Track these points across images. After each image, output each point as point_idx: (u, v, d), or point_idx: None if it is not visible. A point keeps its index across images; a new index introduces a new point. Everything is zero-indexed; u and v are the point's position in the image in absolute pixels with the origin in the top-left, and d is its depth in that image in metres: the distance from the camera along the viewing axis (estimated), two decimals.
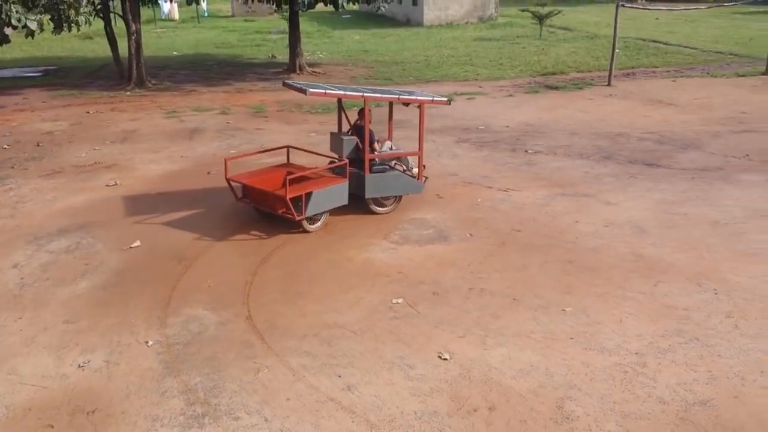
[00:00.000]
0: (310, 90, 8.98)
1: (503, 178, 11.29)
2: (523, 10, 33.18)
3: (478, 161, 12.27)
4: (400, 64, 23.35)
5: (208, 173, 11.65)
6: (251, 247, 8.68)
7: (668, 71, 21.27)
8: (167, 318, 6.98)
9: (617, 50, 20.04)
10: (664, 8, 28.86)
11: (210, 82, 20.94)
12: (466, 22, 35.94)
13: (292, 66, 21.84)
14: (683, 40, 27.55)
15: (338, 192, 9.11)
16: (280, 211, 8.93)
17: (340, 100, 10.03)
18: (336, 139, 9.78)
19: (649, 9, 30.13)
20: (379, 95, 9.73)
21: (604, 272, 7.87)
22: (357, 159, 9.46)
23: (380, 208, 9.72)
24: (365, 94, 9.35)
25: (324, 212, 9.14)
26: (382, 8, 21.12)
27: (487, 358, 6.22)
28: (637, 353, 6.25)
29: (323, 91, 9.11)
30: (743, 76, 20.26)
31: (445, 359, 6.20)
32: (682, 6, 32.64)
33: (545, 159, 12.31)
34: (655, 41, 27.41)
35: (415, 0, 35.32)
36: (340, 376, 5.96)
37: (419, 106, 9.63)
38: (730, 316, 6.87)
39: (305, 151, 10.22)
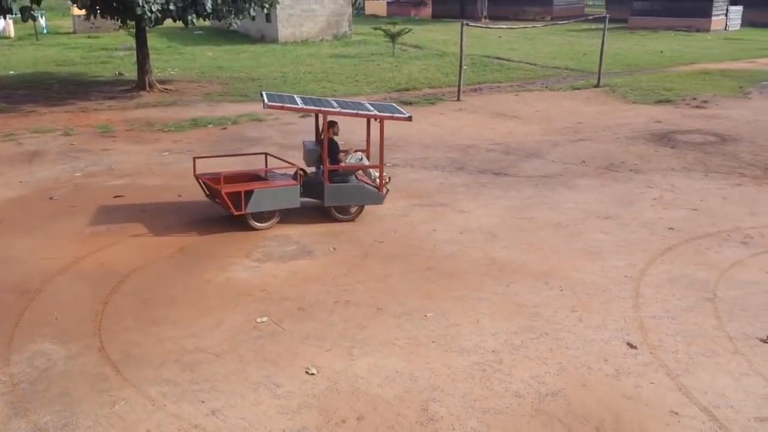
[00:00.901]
0: (267, 103, 9.46)
1: None
2: (375, 29, 34.04)
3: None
4: (257, 80, 23.14)
5: (51, 198, 10.89)
6: (101, 274, 8.22)
7: (511, 86, 22.64)
8: (10, 356, 6.43)
9: (465, 67, 21.07)
10: (505, 27, 30.74)
11: (51, 101, 19.62)
12: (321, 40, 36.30)
13: (142, 83, 20.98)
14: (524, 57, 29.45)
15: (285, 195, 9.58)
16: (225, 207, 9.47)
17: (324, 116, 9.91)
18: (304, 149, 10.45)
19: (491, 27, 31.93)
20: (338, 110, 9.75)
21: (461, 277, 8.22)
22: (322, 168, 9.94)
23: (342, 216, 10.02)
24: (322, 109, 9.75)
25: (272, 212, 9.66)
26: (234, 24, 20.81)
27: (354, 368, 6.28)
28: (493, 351, 6.57)
29: (281, 104, 9.61)
30: (578, 89, 21.97)
31: (313, 374, 6.19)
32: (521, 24, 34.95)
33: (403, 171, 12.67)
34: (498, 58, 29.09)
35: (269, 17, 35.14)
36: (203, 402, 5.77)
37: (380, 121, 9.82)
38: (574, 310, 7.41)
39: (279, 159, 10.56)
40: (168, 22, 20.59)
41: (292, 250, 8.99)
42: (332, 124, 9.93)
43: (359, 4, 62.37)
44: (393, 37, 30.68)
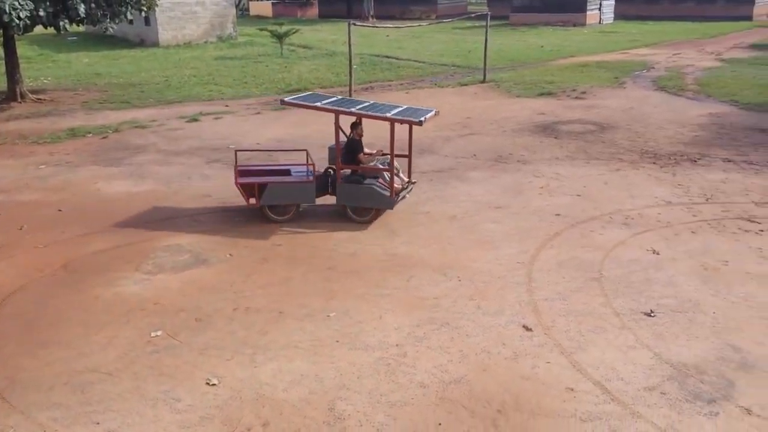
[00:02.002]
0: (286, 100, 10.11)
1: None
2: (261, 29, 33.57)
3: (232, 180, 12.08)
4: (138, 86, 22.22)
5: None
6: None
7: (402, 84, 22.95)
8: None
9: (355, 66, 21.15)
10: (392, 26, 31.13)
11: None
12: (206, 42, 35.37)
13: (12, 94, 19.65)
14: (412, 55, 29.94)
15: (300, 190, 9.85)
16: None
17: (337, 114, 9.86)
18: (329, 148, 10.59)
19: (378, 27, 32.27)
20: (352, 110, 9.74)
21: (362, 274, 8.23)
22: (346, 164, 10.00)
23: (357, 217, 9.94)
24: (337, 109, 9.73)
25: (289, 206, 9.95)
26: (111, 29, 19.88)
27: (257, 375, 6.15)
28: (397, 345, 6.62)
29: (296, 102, 10.01)
30: (465, 85, 22.56)
31: (214, 384, 6.01)
32: (408, 23, 35.51)
33: None
34: (387, 57, 29.42)
35: (148, 20, 33.83)
36: (98, 423, 5.47)
37: (391, 124, 9.72)
38: (472, 298, 7.59)
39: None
40: (39, 29, 19.39)
41: (185, 259, 8.69)
42: (355, 126, 10.00)
43: (243, 5, 61.32)
44: (280, 37, 30.36)
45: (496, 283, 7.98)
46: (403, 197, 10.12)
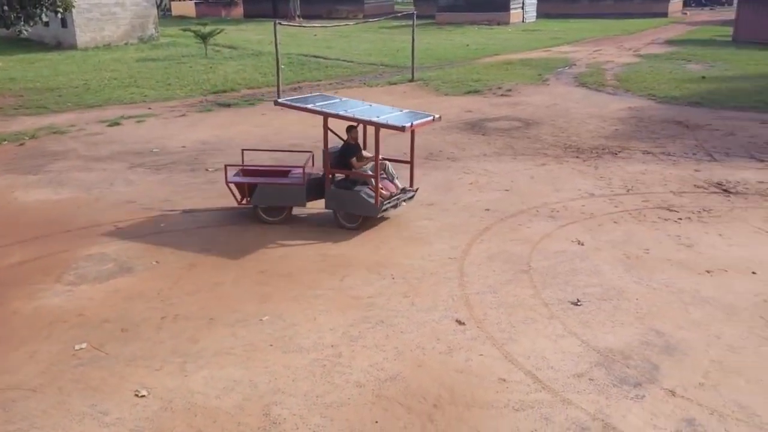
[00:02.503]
0: (278, 101, 9.99)
1: (186, 199, 11.01)
2: (184, 30, 32.82)
3: (157, 185, 11.79)
4: (55, 90, 21.34)
5: None
6: None
7: (331, 83, 22.87)
8: None
9: (282, 66, 20.94)
10: (319, 25, 30.99)
11: None
12: (126, 43, 34.30)
13: None
14: (340, 54, 29.89)
15: (291, 193, 9.73)
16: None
17: (325, 118, 9.47)
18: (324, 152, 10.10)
19: (304, 26, 32.07)
20: (334, 113, 9.27)
21: (295, 276, 8.15)
22: (340, 169, 9.77)
23: (347, 223, 9.66)
24: (324, 111, 9.37)
25: (281, 208, 9.86)
26: (25, 32, 19.03)
27: (188, 384, 6.00)
28: (332, 346, 6.58)
29: (289, 104, 9.82)
30: (394, 83, 22.68)
31: (143, 396, 5.82)
32: (335, 23, 35.43)
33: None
34: (315, 56, 29.27)
35: (65, 21, 32.55)
36: None
37: (376, 128, 9.27)
38: (406, 295, 7.63)
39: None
40: None
41: (108, 268, 8.40)
42: (350, 129, 9.74)
43: (165, 5, 59.78)
44: (204, 37, 29.76)
45: (429, 279, 8.05)
46: (396, 205, 9.78)
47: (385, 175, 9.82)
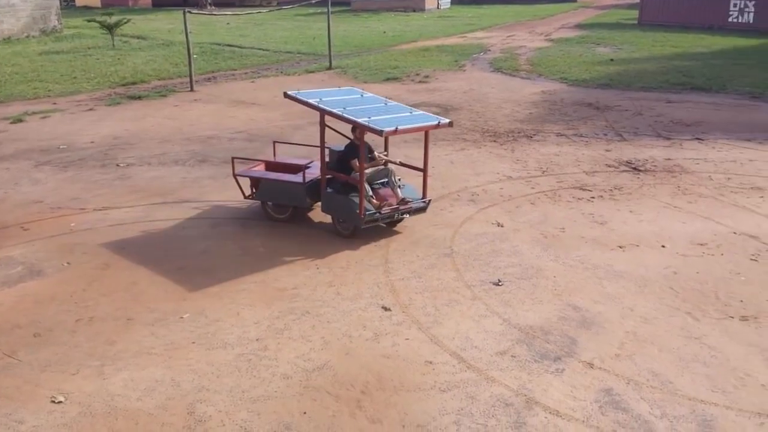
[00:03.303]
0: (289, 93, 9.26)
1: (97, 197, 10.57)
2: (89, 20, 31.39)
3: (65, 183, 11.26)
4: None
5: None
6: None
7: (247, 72, 22.44)
8: None
9: (195, 56, 20.38)
10: (231, 13, 30.31)
11: None
12: (27, 36, 32.50)
13: None
14: (256, 43, 29.35)
15: (290, 191, 9.20)
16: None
17: (322, 115, 8.82)
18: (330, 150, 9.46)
19: (215, 14, 31.30)
20: (329, 110, 8.56)
21: (216, 271, 7.97)
22: (341, 171, 8.97)
23: (342, 230, 9.00)
24: (320, 106, 8.70)
25: (284, 206, 9.43)
26: None
27: (107, 387, 5.77)
28: (257, 340, 6.49)
29: (295, 96, 9.13)
30: (312, 72, 22.47)
31: (60, 402, 5.57)
32: (248, 10, 34.72)
33: (139, 171, 11.90)
34: (230, 45, 28.63)
35: None
36: None
37: (360, 131, 8.59)
38: (332, 285, 7.60)
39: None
40: None
41: (17, 272, 7.97)
42: (355, 128, 8.80)
43: None
44: (110, 28, 28.56)
45: (354, 267, 8.04)
46: (393, 217, 8.86)
47: (386, 182, 9.05)
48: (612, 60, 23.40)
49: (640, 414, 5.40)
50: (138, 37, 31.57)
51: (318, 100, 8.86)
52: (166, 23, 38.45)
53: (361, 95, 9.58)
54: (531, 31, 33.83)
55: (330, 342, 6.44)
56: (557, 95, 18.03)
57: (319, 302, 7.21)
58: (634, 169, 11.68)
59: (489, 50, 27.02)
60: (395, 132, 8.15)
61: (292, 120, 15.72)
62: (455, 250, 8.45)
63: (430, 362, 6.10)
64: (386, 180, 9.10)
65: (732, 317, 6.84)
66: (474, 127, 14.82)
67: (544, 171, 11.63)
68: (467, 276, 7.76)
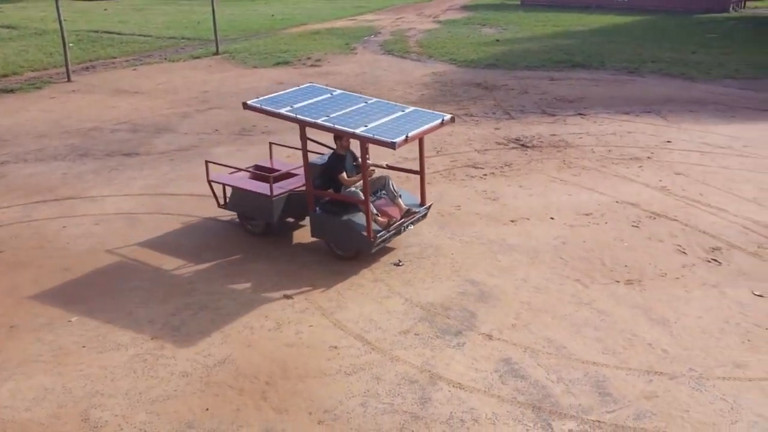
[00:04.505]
0: (248, 103, 7.73)
1: None
2: None
3: None
4: None
5: None
6: None
7: (128, 60, 21.40)
8: None
9: (70, 44, 19.19)
10: None
11: None
12: None
13: None
14: (136, 29, 28.01)
15: (259, 205, 7.97)
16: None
17: (302, 127, 7.57)
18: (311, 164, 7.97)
19: (93, 0, 29.60)
20: (311, 120, 7.25)
21: (105, 270, 7.59)
22: (327, 186, 7.75)
23: (340, 252, 7.83)
24: (299, 117, 7.34)
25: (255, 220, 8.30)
26: None
27: None
28: (153, 338, 6.24)
29: (259, 106, 7.67)
30: (198, 57, 21.71)
31: None
32: None
33: (14, 168, 11.11)
34: (108, 32, 27.18)
35: None
36: None
37: (361, 142, 7.29)
38: (229, 276, 7.41)
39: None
40: None
41: None
42: (337, 136, 7.62)
43: None
44: None
45: (254, 257, 7.87)
46: (398, 231, 7.77)
47: (384, 194, 7.97)
48: (498, 40, 24.06)
49: (537, 380, 5.62)
50: (8, 27, 29.36)
51: (289, 107, 7.58)
52: (38, 11, 35.95)
53: (331, 94, 8.28)
54: (419, 14, 34.20)
55: (230, 335, 6.28)
56: (447, 76, 18.34)
57: (217, 295, 7.02)
58: (522, 145, 12.08)
59: (379, 33, 27.10)
60: (406, 141, 6.94)
61: (179, 108, 15.16)
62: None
63: (335, 347, 6.08)
64: (383, 190, 7.96)
65: (618, 282, 7.23)
66: None
67: (438, 151, 11.82)
68: (368, 258, 7.77)
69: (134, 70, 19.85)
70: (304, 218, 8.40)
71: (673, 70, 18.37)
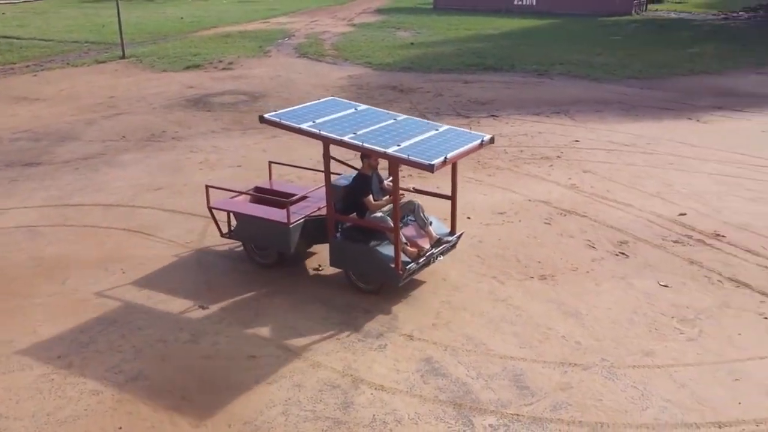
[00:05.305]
0: (266, 117, 7.03)
1: None
2: None
3: None
4: None
5: None
6: None
7: (28, 66, 20.35)
8: None
9: None
10: (6, 2, 27.26)
11: None
12: None
13: None
14: (37, 33, 26.69)
15: (274, 233, 7.12)
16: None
17: (326, 145, 6.80)
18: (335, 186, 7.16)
19: None
20: (338, 138, 6.54)
21: (6, 286, 7.16)
22: (350, 210, 7.04)
23: (362, 284, 7.01)
24: (324, 134, 6.64)
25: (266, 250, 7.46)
26: None
27: None
28: (60, 357, 5.92)
29: (278, 120, 6.94)
30: (103, 62, 20.88)
31: None
32: None
33: None
34: (6, 37, 25.79)
35: None
36: None
37: (393, 164, 6.60)
38: (141, 288, 7.14)
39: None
40: None
41: None
42: (364, 155, 6.91)
43: None
44: None
45: (165, 267, 7.61)
46: (428, 262, 7.01)
47: (412, 220, 7.21)
48: (412, 44, 24.31)
49: (458, 377, 5.68)
50: None
51: (311, 123, 6.90)
52: None
53: (356, 109, 7.60)
54: (334, 16, 34.16)
55: (142, 350, 6.04)
56: (363, 79, 18.37)
57: (128, 309, 6.74)
58: None
59: (293, 35, 26.88)
60: (445, 163, 6.29)
61: (83, 114, 14.53)
62: None
63: (254, 356, 5.95)
64: (411, 216, 7.21)
65: (532, 277, 7.41)
66: None
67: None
68: (288, 264, 7.65)
69: (34, 75, 18.89)
70: (320, 242, 7.52)
71: (580, 71, 19.09)
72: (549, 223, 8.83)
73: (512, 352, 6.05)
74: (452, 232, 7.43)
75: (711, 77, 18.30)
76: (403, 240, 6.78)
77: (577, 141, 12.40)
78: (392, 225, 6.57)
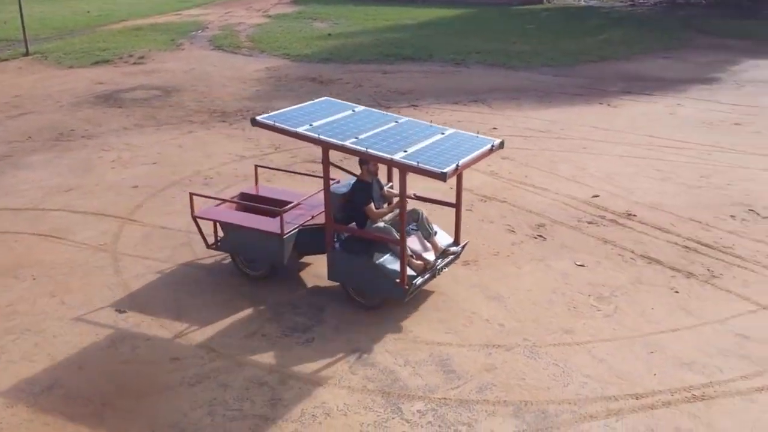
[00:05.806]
0: (258, 120, 6.63)
1: None
2: None
3: None
4: None
5: None
6: None
7: None
8: None
9: None
10: None
11: None
12: None
13: None
14: None
15: (264, 244, 6.67)
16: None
17: (325, 150, 6.40)
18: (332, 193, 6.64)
19: None
20: (349, 144, 6.13)
21: None
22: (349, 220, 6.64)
23: (361, 300, 6.59)
24: (324, 138, 6.21)
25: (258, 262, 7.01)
26: None
27: None
28: None
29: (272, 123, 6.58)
30: (5, 60, 19.80)
31: None
32: None
33: None
34: None
35: None
36: None
37: (401, 172, 6.02)
38: (54, 295, 6.84)
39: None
40: None
41: None
42: (363, 161, 6.47)
43: None
44: None
45: (79, 271, 7.31)
46: (433, 274, 6.58)
47: (415, 229, 6.81)
48: (330, 35, 24.16)
49: (386, 366, 5.71)
50: None
51: (308, 126, 6.51)
52: None
53: (353, 110, 7.21)
54: (248, 8, 33.52)
55: (57, 358, 5.79)
56: (281, 71, 18.14)
57: (41, 317, 6.44)
58: None
59: (207, 27, 26.23)
60: (457, 171, 5.94)
61: None
62: (192, 239, 8.09)
63: (177, 359, 5.80)
64: (414, 225, 6.79)
65: (456, 263, 7.52)
66: (200, 108, 14.31)
67: (277, 148, 11.65)
68: (210, 262, 7.49)
69: None
70: (315, 253, 7.13)
71: (497, 60, 19.46)
72: (471, 210, 8.98)
73: (438, 337, 6.14)
74: (456, 242, 7.07)
75: (620, 63, 19.04)
76: (409, 252, 6.41)
77: (495, 128, 12.65)
78: (398, 237, 6.21)
